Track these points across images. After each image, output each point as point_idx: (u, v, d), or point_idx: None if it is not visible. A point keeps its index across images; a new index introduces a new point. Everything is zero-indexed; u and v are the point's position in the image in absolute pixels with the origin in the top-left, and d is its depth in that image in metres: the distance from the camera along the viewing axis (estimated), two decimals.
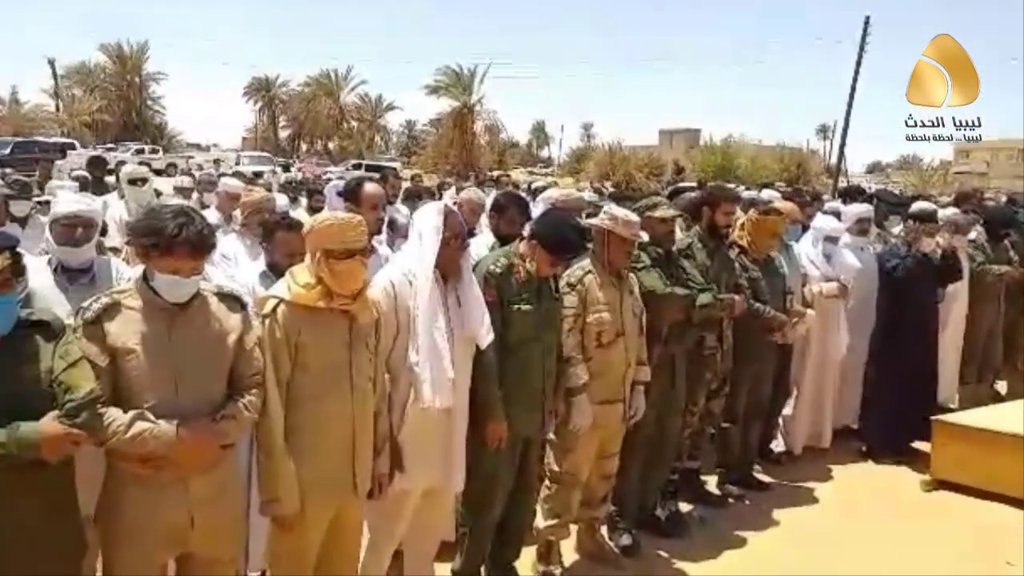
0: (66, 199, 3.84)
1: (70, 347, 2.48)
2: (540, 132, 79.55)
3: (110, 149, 32.59)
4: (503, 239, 4.54)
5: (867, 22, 34.23)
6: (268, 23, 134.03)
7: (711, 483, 5.40)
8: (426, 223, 3.33)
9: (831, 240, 5.98)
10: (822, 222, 6.19)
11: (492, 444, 3.52)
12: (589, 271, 4.01)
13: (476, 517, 3.73)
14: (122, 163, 12.61)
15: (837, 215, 6.63)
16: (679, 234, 4.93)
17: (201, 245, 2.62)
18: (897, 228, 7.02)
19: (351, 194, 4.47)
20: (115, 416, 2.49)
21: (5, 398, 2.32)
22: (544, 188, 8.43)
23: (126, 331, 2.59)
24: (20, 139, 32.84)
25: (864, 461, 6.19)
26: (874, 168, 66.98)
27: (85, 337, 2.54)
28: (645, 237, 4.16)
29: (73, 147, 31.83)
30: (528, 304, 3.65)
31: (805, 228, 6.32)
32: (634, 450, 4.38)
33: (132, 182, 6.77)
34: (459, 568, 3.83)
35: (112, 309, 2.61)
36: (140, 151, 36.35)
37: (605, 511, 4.38)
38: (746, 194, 8.13)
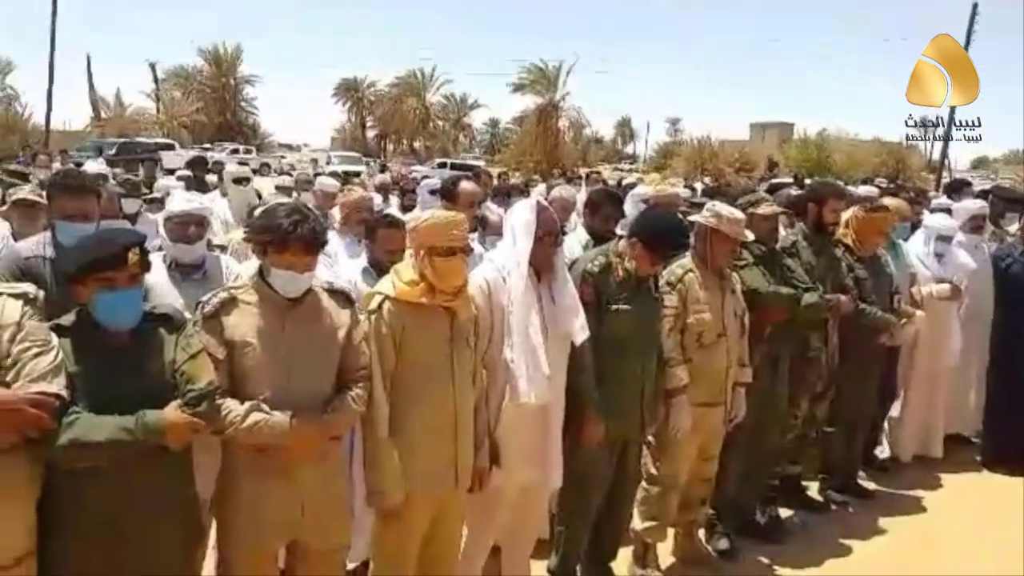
0: (179, 198, 4.00)
1: (191, 339, 2.58)
2: (625, 128, 78.87)
3: (207, 149, 33.88)
4: (597, 237, 4.51)
5: (974, 10, 32.59)
6: (357, 25, 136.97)
7: (813, 489, 5.24)
8: (519, 220, 3.33)
9: (944, 239, 5.69)
10: (934, 220, 5.90)
11: (589, 445, 3.50)
12: (690, 270, 3.93)
13: (573, 516, 3.71)
14: (218, 163, 13.07)
15: (948, 212, 6.32)
16: (781, 231, 4.78)
17: (314, 241, 2.70)
18: (1014, 226, 6.63)
19: (448, 192, 4.51)
20: (232, 406, 2.59)
21: (132, 388, 2.44)
22: (634, 185, 8.31)
23: (243, 325, 2.68)
24: (124, 140, 34.44)
25: (979, 471, 5.89)
26: (980, 163, 63.57)
27: (204, 330, 2.65)
28: (751, 236, 4.05)
29: (172, 148, 33.24)
30: (627, 304, 3.59)
31: (915, 226, 6.05)
32: (734, 453, 4.28)
33: (236, 181, 7.05)
34: (555, 567, 3.82)
35: (229, 304, 2.70)
36: (235, 151, 37.73)
37: (703, 514, 4.30)
38: (861, 190, 7.75)
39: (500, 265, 3.31)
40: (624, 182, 11.32)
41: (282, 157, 38.65)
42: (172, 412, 2.42)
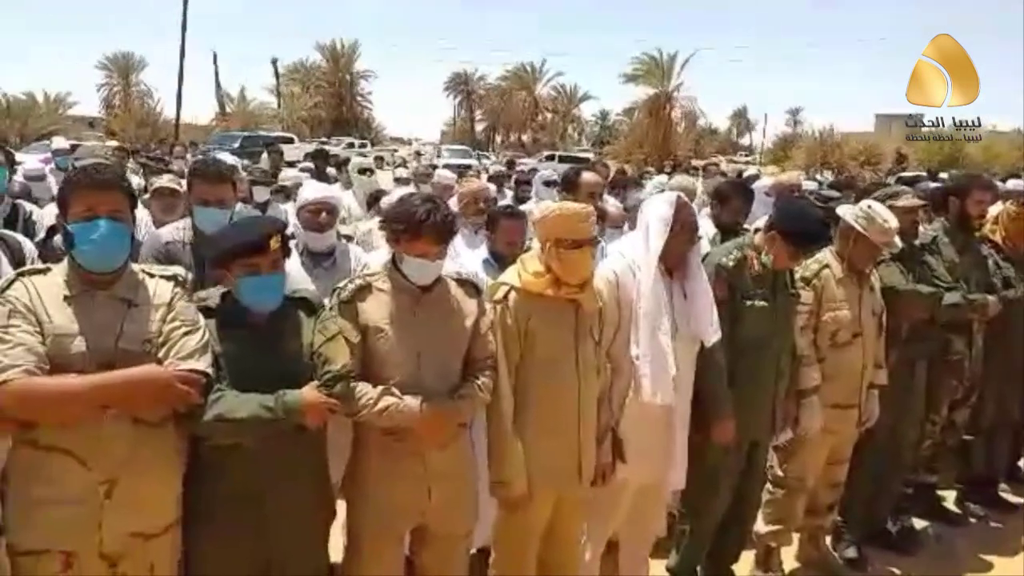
0: (312, 187, 4.12)
1: (328, 323, 2.66)
2: (741, 118, 76.45)
3: (323, 143, 35.03)
4: (725, 230, 4.38)
5: None
6: (468, 18, 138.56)
7: (949, 500, 4.95)
8: (655, 214, 3.25)
9: None
10: None
11: (720, 444, 3.40)
12: (827, 265, 3.76)
13: (697, 517, 3.63)
14: (334, 156, 13.49)
15: None
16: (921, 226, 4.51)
17: (446, 230, 2.73)
18: None
19: (569, 183, 4.48)
20: (365, 390, 2.65)
21: (273, 368, 2.54)
22: (756, 177, 8.04)
23: (377, 311, 2.74)
24: (247, 133, 36.04)
25: None
26: None
27: (340, 314, 2.71)
28: (898, 244, 3.82)
29: (291, 141, 34.51)
30: (762, 300, 3.47)
31: None
32: (866, 458, 4.08)
33: (360, 172, 7.27)
34: (675, 566, 3.75)
35: (364, 290, 2.77)
36: (351, 145, 38.87)
37: (831, 520, 4.13)
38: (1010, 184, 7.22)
39: (630, 258, 3.25)
40: (745, 174, 10.96)
41: (394, 150, 39.57)
42: (310, 392, 2.51)
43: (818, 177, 14.76)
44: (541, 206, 3.21)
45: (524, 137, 61.48)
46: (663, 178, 9.15)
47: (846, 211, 3.79)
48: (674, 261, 3.23)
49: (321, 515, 2.74)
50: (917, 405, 4.25)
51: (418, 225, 2.67)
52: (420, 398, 2.66)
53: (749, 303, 3.45)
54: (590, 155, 35.32)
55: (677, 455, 3.32)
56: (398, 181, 8.42)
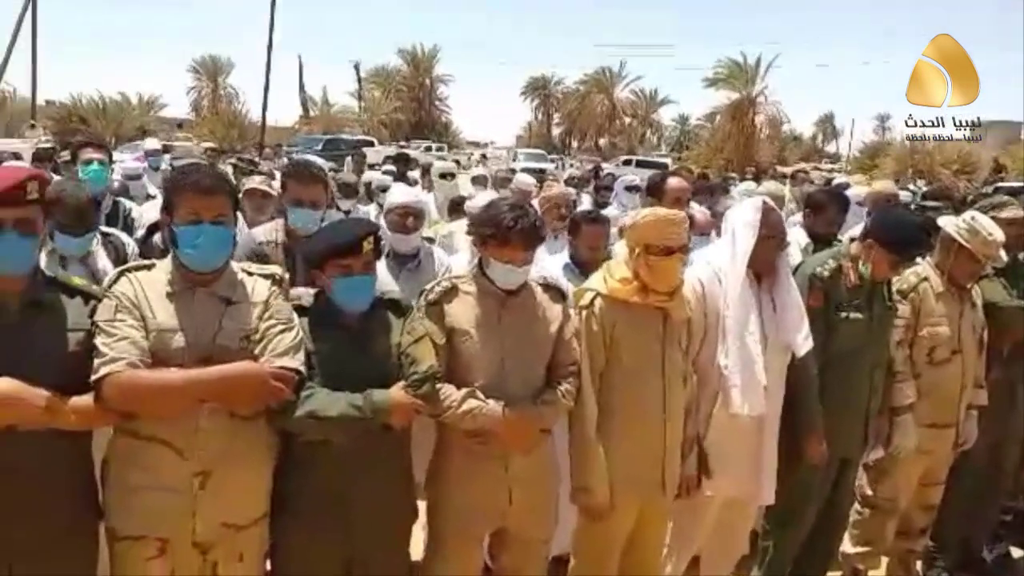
0: (401, 191, 4.18)
1: (415, 324, 2.69)
2: (827, 124, 74.15)
3: (402, 146, 35.55)
4: (817, 239, 4.26)
5: None
6: (545, 23, 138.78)
7: None
8: (742, 219, 3.18)
9: None
10: None
11: (811, 460, 3.30)
12: (925, 278, 3.61)
13: (782, 533, 3.53)
14: (414, 159, 13.65)
15: None
16: None
17: (534, 237, 2.73)
18: None
19: (655, 188, 4.43)
20: (450, 392, 2.67)
21: (362, 367, 2.57)
22: (845, 186, 7.80)
23: (462, 314, 2.76)
24: (330, 136, 36.88)
25: None
26: None
27: (427, 316, 2.74)
28: (1003, 258, 3.65)
29: (371, 144, 35.18)
30: (858, 312, 3.36)
31: None
32: (962, 481, 3.90)
33: (442, 176, 7.37)
34: None
35: (451, 293, 2.79)
36: (428, 149, 39.37)
37: (922, 544, 3.96)
38: None
39: (717, 266, 3.19)
40: (835, 182, 10.63)
41: (470, 154, 39.94)
42: (397, 392, 2.53)
43: (911, 187, 14.19)
44: (634, 211, 3.18)
45: (601, 141, 61.17)
46: (750, 184, 8.97)
47: (948, 222, 3.64)
48: (762, 268, 3.16)
49: (404, 514, 2.76)
50: (1017, 428, 4.04)
51: (506, 231, 2.68)
52: (503, 402, 2.67)
53: (843, 315, 3.34)
54: (668, 160, 34.90)
55: (766, 469, 3.24)
56: (475, 181, 8.49)
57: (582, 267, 3.86)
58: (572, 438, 2.95)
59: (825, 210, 4.26)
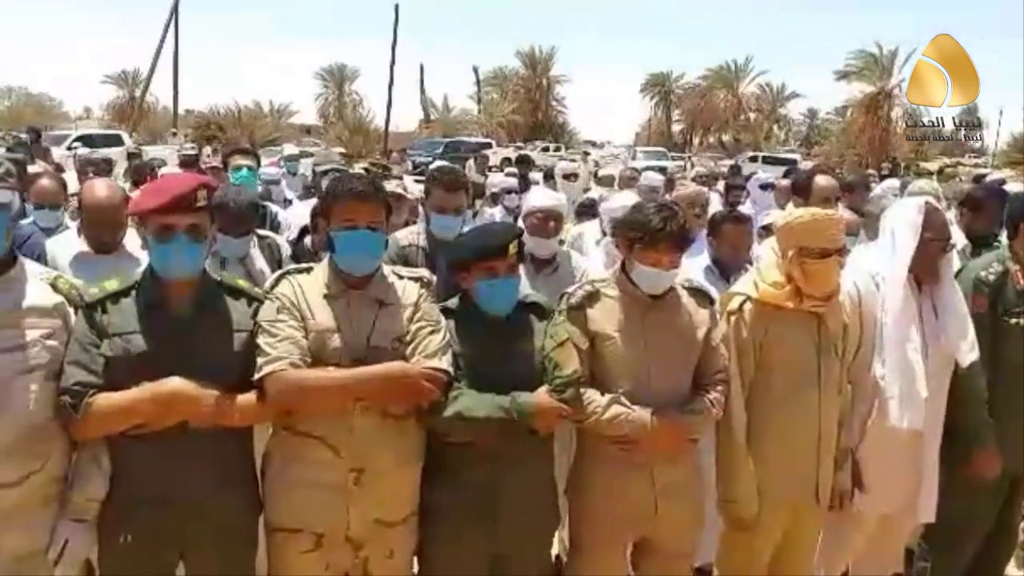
0: (541, 194, 4.17)
1: (558, 328, 2.68)
2: (971, 116, 69.21)
3: (519, 147, 35.74)
4: (976, 240, 3.98)
5: None
6: (666, 19, 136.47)
7: None
8: (902, 221, 3.01)
9: None
10: None
11: (981, 476, 3.08)
12: None
13: (942, 555, 3.31)
14: (508, 160, 13.65)
15: None
16: None
17: (683, 239, 2.67)
18: None
19: (801, 188, 4.26)
20: (593, 397, 2.64)
21: (506, 370, 2.59)
22: (1002, 181, 7.27)
23: (605, 318, 2.73)
24: (449, 140, 37.61)
25: None
26: None
27: (569, 320, 2.72)
28: None
29: (490, 146, 35.59)
30: None
31: None
32: None
33: (566, 177, 7.34)
34: None
35: (593, 297, 2.76)
36: (545, 149, 39.45)
37: None
38: None
39: (874, 270, 3.02)
40: (988, 178, 9.91)
41: (586, 154, 39.78)
42: (542, 396, 2.54)
43: None
44: (774, 211, 3.06)
45: (725, 138, 59.48)
46: (893, 182, 8.51)
47: None
48: (924, 272, 2.98)
49: (548, 516, 2.76)
50: None
51: (654, 233, 2.63)
52: (650, 409, 2.62)
53: (1013, 321, 3.11)
54: (797, 156, 33.62)
55: (926, 486, 3.05)
56: (601, 182, 8.42)
57: (724, 269, 3.76)
58: (720, 448, 2.87)
59: (984, 208, 3.98)
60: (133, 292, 2.40)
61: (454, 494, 2.57)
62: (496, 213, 6.91)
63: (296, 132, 44.03)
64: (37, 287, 2.35)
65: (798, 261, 2.77)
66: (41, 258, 3.17)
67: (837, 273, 2.82)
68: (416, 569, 2.68)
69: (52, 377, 2.27)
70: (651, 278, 2.69)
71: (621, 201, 4.22)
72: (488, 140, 39.43)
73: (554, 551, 2.95)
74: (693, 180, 9.15)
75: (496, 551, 2.61)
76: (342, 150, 13.63)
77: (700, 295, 2.84)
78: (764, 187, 6.67)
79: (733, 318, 2.85)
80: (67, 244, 3.53)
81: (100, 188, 3.49)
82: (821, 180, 4.18)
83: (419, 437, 2.57)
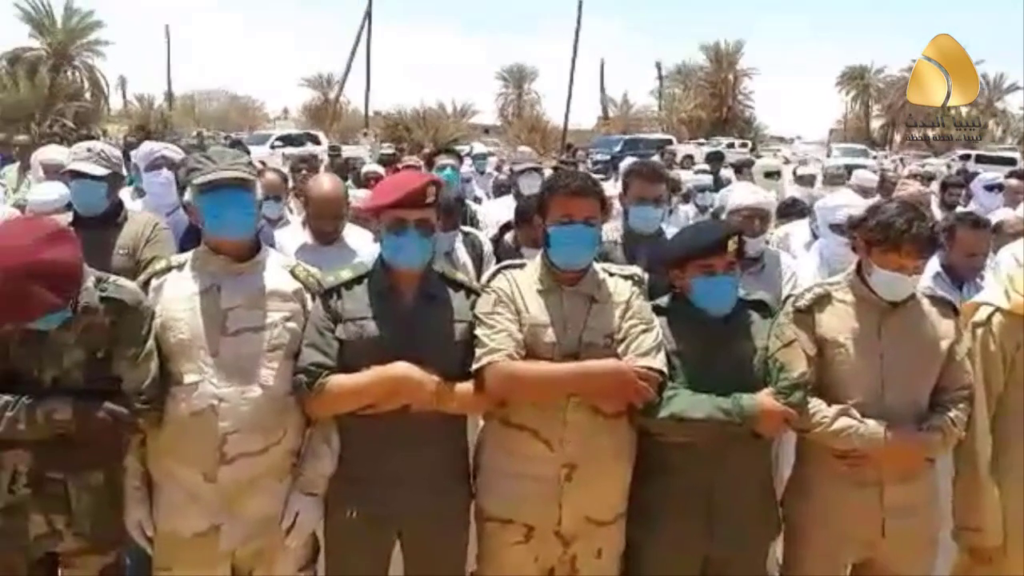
0: (745, 191, 4.03)
1: (784, 328, 2.56)
2: None
3: (701, 144, 34.78)
4: None
5: None
6: (865, 8, 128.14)
7: None
8: None
9: None
10: None
11: None
12: None
13: None
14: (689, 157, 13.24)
15: None
16: None
17: (929, 242, 2.47)
18: None
19: None
20: (820, 407, 2.50)
21: (725, 370, 2.50)
22: None
23: (836, 324, 2.57)
24: (628, 137, 37.30)
25: None
26: None
27: (795, 323, 2.59)
28: None
29: (670, 143, 34.97)
30: None
31: None
32: None
33: (768, 175, 7.07)
34: None
35: (823, 300, 2.61)
36: (730, 145, 38.17)
37: None
38: None
39: None
40: None
41: (777, 151, 38.06)
42: (767, 399, 2.44)
43: None
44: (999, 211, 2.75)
45: (931, 134, 54.73)
46: None
47: None
48: None
49: (765, 525, 2.64)
50: None
51: (898, 236, 2.43)
52: (884, 424, 2.43)
53: None
54: (1017, 155, 30.51)
55: None
56: (801, 181, 8.01)
57: (956, 276, 3.46)
58: (960, 470, 2.63)
59: None
60: (365, 280, 2.52)
61: (669, 494, 2.52)
62: (689, 211, 6.76)
63: (476, 132, 45.33)
64: (278, 273, 2.53)
65: None
66: (272, 247, 3.41)
67: None
68: (623, 569, 2.62)
69: (291, 356, 2.44)
70: (891, 283, 2.50)
71: (839, 201, 3.97)
72: (668, 137, 38.75)
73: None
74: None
75: (710, 554, 2.53)
76: (526, 148, 13.84)
77: (943, 304, 2.62)
78: (990, 188, 6.07)
79: (980, 331, 2.61)
80: (293, 235, 3.79)
81: (326, 182, 3.74)
82: None
83: (630, 436, 2.54)
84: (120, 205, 3.61)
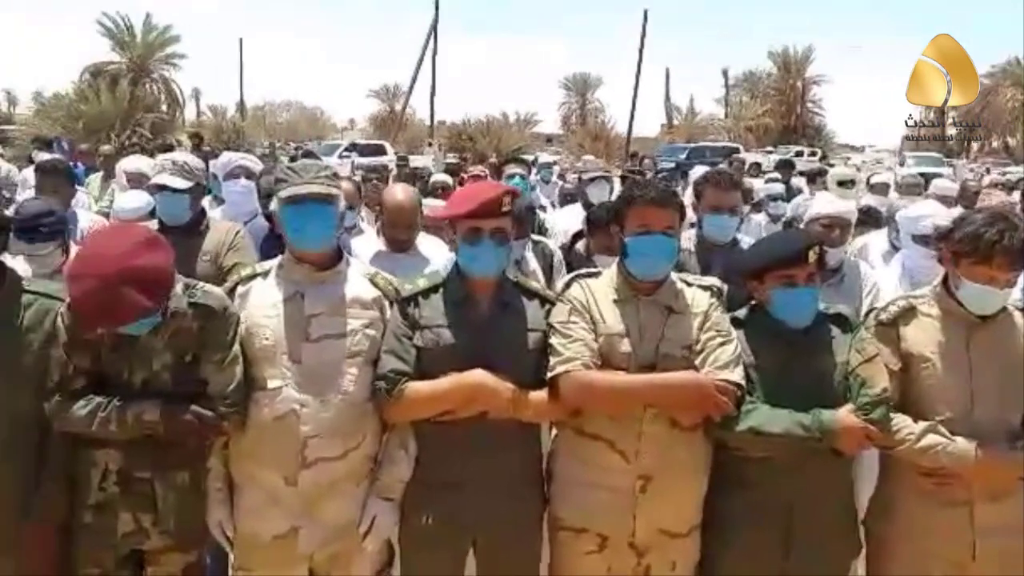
0: (825, 200, 3.94)
1: (866, 343, 2.50)
2: None
3: (769, 152, 34.15)
4: None
5: None
6: (941, 13, 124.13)
7: None
8: None
9: None
10: None
11: None
12: None
13: None
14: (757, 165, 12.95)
15: None
16: None
17: (1021, 256, 2.35)
18: None
19: None
20: (905, 423, 2.42)
21: (804, 384, 2.45)
22: None
23: (922, 338, 2.49)
24: (693, 145, 36.83)
25: None
26: None
27: (878, 337, 2.52)
28: None
29: (736, 151, 34.40)
30: None
31: None
32: None
33: (841, 183, 6.89)
34: None
35: (908, 313, 2.53)
36: (799, 154, 37.35)
37: None
38: None
39: None
40: None
41: (847, 159, 37.13)
42: (847, 415, 2.39)
43: None
44: None
45: (1011, 141, 52.65)
46: None
47: None
48: None
49: (846, 543, 2.57)
50: None
51: (989, 248, 2.35)
52: (974, 442, 2.34)
53: None
54: None
55: None
56: (874, 190, 7.78)
57: None
58: None
59: None
60: (441, 289, 2.55)
61: (746, 508, 2.47)
62: (761, 220, 6.63)
63: (538, 141, 45.38)
64: (359, 281, 2.57)
65: None
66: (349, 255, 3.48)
67: None
68: None
69: (370, 363, 2.48)
70: (981, 297, 2.41)
71: (923, 211, 3.85)
72: (735, 145, 38.13)
73: None
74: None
75: (787, 570, 2.48)
76: (591, 157, 13.77)
77: None
78: None
79: None
80: (368, 243, 3.86)
81: (400, 192, 3.79)
82: None
83: (706, 449, 2.51)
84: (203, 213, 3.73)
